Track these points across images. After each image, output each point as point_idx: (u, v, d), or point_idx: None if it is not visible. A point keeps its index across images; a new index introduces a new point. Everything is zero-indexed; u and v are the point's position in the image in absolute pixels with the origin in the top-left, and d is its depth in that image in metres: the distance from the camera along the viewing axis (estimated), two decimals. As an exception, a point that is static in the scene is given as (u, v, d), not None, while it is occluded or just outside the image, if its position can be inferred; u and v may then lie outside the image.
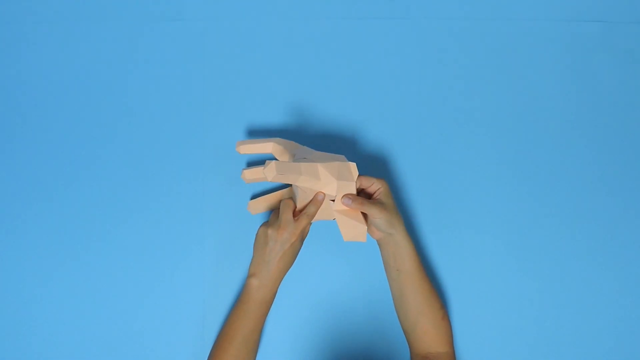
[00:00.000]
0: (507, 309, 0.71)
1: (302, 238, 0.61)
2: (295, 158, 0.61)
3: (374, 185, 0.60)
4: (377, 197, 0.60)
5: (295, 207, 0.62)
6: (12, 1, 0.75)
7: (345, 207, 0.60)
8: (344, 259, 0.71)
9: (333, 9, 0.75)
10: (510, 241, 0.72)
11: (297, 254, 0.62)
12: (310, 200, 0.60)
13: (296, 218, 0.60)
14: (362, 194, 0.62)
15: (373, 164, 0.73)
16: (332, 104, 0.74)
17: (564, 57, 0.75)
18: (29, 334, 0.69)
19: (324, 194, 0.60)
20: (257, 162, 0.72)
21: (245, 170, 0.68)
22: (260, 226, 0.62)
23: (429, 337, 0.61)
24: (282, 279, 0.61)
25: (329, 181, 0.58)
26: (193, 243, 0.71)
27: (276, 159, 0.65)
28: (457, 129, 0.73)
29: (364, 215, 0.61)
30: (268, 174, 0.54)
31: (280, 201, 0.64)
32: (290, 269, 0.62)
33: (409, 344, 0.63)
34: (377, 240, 0.63)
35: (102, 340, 0.69)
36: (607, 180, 0.73)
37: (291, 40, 0.75)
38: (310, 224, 0.61)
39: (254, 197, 0.71)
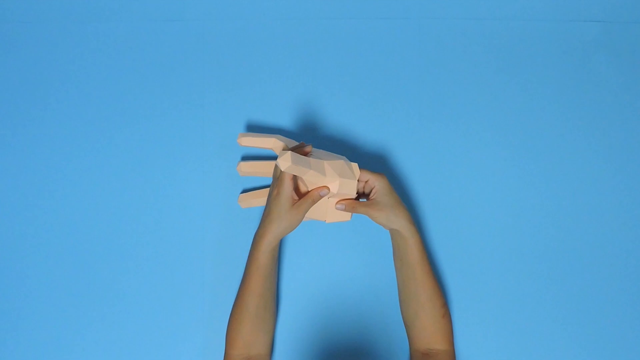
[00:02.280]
0: (509, 307, 0.70)
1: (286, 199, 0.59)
2: None
3: (370, 183, 0.61)
4: (374, 197, 0.61)
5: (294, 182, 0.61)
6: (11, 1, 0.75)
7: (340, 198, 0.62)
8: (348, 251, 0.71)
9: (333, 9, 0.75)
10: (512, 240, 0.71)
11: (284, 215, 0.58)
12: (313, 190, 0.60)
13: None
14: (362, 192, 0.63)
15: (373, 163, 0.72)
16: (332, 104, 0.74)
17: (564, 57, 0.75)
18: (28, 336, 0.69)
19: (328, 189, 0.60)
20: (253, 157, 0.72)
21: (241, 163, 0.68)
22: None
23: (428, 333, 0.61)
24: (271, 238, 0.59)
25: (333, 178, 0.59)
26: (193, 240, 0.71)
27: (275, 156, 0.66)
28: (458, 128, 0.73)
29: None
30: (282, 164, 0.55)
31: None
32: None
33: (408, 338, 0.64)
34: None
35: (101, 340, 0.69)
36: (607, 180, 0.73)
37: (291, 41, 0.75)
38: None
39: (245, 191, 0.71)
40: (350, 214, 0.62)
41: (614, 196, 0.73)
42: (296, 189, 0.62)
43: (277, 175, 0.61)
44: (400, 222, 0.60)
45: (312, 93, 0.74)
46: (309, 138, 0.73)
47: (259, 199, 0.69)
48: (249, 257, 0.61)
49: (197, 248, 0.71)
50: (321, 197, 0.60)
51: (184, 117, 0.73)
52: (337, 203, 0.62)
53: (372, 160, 0.73)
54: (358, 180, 0.62)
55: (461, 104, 0.74)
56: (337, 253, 0.71)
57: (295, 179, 0.61)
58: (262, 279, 0.60)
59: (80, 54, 0.74)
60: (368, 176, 0.60)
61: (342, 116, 0.73)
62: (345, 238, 0.71)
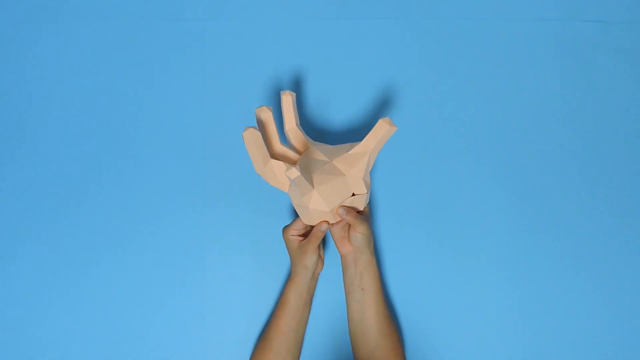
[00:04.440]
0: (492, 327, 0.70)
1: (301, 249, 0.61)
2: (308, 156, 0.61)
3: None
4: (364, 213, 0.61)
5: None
6: (11, 0, 0.75)
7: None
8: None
9: (332, 9, 0.75)
10: (507, 246, 0.72)
11: (306, 263, 0.60)
12: (314, 229, 0.59)
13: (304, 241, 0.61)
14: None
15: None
16: (331, 104, 0.74)
17: (563, 57, 0.75)
18: (29, 338, 0.69)
19: (327, 224, 0.58)
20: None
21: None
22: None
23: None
24: (297, 278, 0.62)
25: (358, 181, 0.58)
26: (193, 244, 0.71)
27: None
28: (457, 128, 0.73)
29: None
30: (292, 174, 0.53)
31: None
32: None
33: None
34: (342, 257, 0.62)
35: (100, 343, 0.69)
36: (606, 182, 0.73)
37: (291, 40, 0.75)
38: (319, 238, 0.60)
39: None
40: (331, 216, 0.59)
41: (614, 199, 0.72)
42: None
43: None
44: (371, 245, 0.61)
45: (312, 93, 0.74)
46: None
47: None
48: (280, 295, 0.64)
49: (198, 251, 0.71)
50: (323, 232, 0.58)
51: (184, 117, 0.73)
52: (339, 207, 0.58)
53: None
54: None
55: (460, 104, 0.74)
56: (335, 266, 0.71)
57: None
58: (288, 317, 0.62)
59: (79, 53, 0.74)
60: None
61: (341, 116, 0.73)
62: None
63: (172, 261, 0.70)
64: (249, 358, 0.67)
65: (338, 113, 0.74)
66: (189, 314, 0.70)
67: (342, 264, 0.63)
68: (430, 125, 0.73)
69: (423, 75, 0.74)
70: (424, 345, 0.70)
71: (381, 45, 0.75)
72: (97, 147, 0.72)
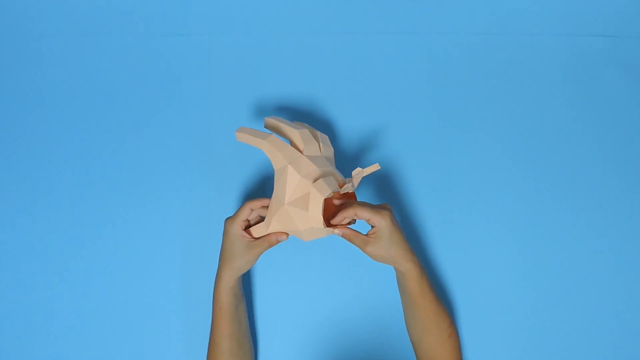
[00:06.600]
0: (515, 313, 0.70)
1: (235, 237, 0.58)
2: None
3: (370, 222, 0.57)
4: (372, 235, 0.57)
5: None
6: (19, 14, 0.74)
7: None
8: (349, 272, 0.71)
9: (338, 24, 0.75)
10: (520, 255, 0.72)
11: (237, 252, 0.58)
12: (271, 234, 0.59)
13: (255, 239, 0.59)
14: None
15: (380, 174, 0.72)
16: (339, 118, 0.74)
17: (572, 71, 0.75)
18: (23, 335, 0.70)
19: (286, 236, 0.58)
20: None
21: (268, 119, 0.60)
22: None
23: (435, 353, 0.61)
24: (227, 278, 0.59)
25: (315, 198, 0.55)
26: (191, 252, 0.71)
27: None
28: (466, 143, 0.73)
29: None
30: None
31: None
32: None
33: (416, 356, 0.63)
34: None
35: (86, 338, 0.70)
36: (614, 194, 0.73)
37: (297, 55, 0.74)
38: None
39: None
40: (326, 230, 0.57)
41: (624, 210, 0.72)
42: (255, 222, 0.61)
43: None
44: (397, 260, 0.57)
45: (319, 107, 0.74)
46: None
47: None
48: (212, 298, 0.61)
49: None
50: (278, 242, 0.58)
51: (189, 130, 0.73)
52: (335, 228, 0.57)
53: (379, 174, 0.73)
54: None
55: (470, 119, 0.74)
56: (340, 274, 0.71)
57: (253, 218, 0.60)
58: (228, 320, 0.60)
59: (86, 68, 0.74)
60: (369, 215, 0.55)
61: (348, 131, 0.73)
62: (347, 260, 0.71)
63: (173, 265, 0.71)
64: None
65: (344, 127, 0.73)
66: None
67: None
68: (438, 138, 0.73)
69: (431, 90, 0.74)
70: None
71: (388, 60, 0.74)
72: (101, 160, 0.72)
